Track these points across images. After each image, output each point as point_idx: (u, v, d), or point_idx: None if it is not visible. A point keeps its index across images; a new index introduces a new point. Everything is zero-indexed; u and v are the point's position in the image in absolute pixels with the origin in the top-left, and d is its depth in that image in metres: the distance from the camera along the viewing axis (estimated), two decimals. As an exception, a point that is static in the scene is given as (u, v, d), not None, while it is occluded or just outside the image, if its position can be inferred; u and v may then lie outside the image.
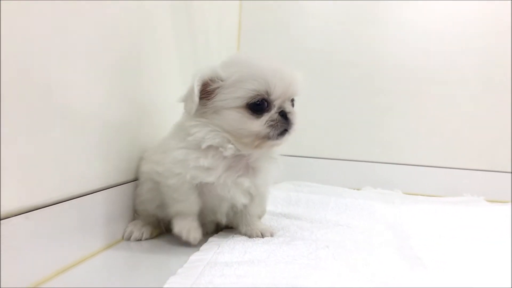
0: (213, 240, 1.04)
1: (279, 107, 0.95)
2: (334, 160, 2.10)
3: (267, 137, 0.95)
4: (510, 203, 1.72)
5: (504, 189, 1.93)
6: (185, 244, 1.01)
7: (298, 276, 0.79)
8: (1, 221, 0.67)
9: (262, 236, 1.07)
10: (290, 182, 1.92)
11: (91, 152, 0.93)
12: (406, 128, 2.07)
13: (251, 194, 1.05)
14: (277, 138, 0.95)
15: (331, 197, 1.61)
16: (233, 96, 0.92)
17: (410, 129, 2.07)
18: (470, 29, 2.01)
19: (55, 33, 0.78)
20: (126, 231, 1.07)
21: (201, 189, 1.00)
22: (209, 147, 0.96)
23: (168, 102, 1.23)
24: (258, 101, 0.93)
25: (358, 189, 1.93)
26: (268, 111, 0.94)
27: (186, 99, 0.95)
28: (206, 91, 0.94)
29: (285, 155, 2.03)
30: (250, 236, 1.08)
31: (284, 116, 0.95)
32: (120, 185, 1.05)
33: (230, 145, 0.96)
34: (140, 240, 1.06)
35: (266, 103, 0.94)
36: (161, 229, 1.12)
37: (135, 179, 1.12)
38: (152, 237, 1.08)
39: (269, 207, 1.43)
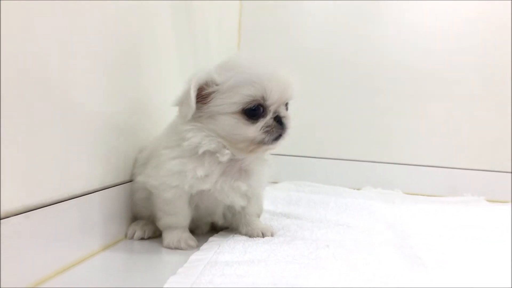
0: (213, 240, 1.04)
1: (274, 112, 0.95)
2: (335, 160, 2.10)
3: (262, 143, 0.95)
4: (510, 203, 1.72)
5: (504, 189, 1.93)
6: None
7: (299, 275, 0.79)
8: (1, 220, 0.67)
9: (263, 235, 1.07)
10: (291, 182, 1.92)
11: (91, 152, 0.93)
12: (407, 128, 2.07)
13: (248, 196, 1.05)
14: (271, 143, 0.96)
15: (331, 196, 1.62)
16: (229, 102, 0.92)
17: (411, 129, 2.07)
18: (470, 29, 2.01)
19: (55, 33, 0.78)
20: (129, 230, 1.07)
21: (197, 196, 1.00)
22: (205, 152, 0.95)
23: (168, 102, 1.23)
24: (254, 106, 0.92)
25: (358, 189, 1.94)
26: (264, 117, 0.94)
27: (182, 103, 0.94)
28: (201, 95, 0.93)
29: (285, 155, 2.06)
30: (251, 236, 1.08)
31: (279, 121, 0.95)
32: (120, 184, 1.05)
33: (226, 151, 0.96)
34: (143, 238, 1.06)
35: (261, 108, 0.94)
36: None
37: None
38: (155, 235, 1.07)
39: (270, 206, 1.43)
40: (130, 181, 1.09)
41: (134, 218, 1.12)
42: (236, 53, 0.96)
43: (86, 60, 0.88)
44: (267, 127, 0.94)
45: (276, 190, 1.72)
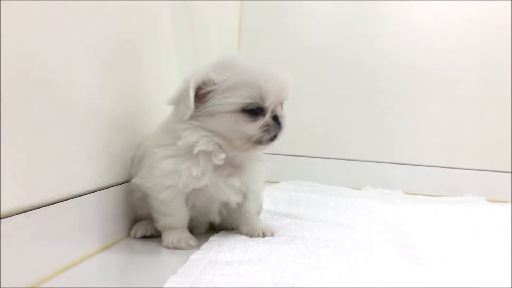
0: (214, 240, 1.05)
1: (272, 111, 0.96)
2: (335, 159, 2.10)
3: (258, 142, 0.96)
4: (511, 203, 1.72)
5: (504, 189, 1.93)
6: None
7: (299, 275, 0.79)
8: (2, 220, 0.67)
9: (263, 235, 1.07)
10: (291, 182, 1.92)
11: (91, 152, 0.93)
12: (407, 127, 2.07)
13: (243, 192, 1.06)
14: (267, 143, 0.96)
15: (331, 196, 1.62)
16: (228, 102, 0.92)
17: (411, 129, 2.07)
18: (470, 29, 2.01)
19: (54, 33, 0.78)
20: (133, 229, 1.08)
21: (193, 194, 1.01)
22: (199, 151, 0.95)
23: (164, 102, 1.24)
24: (253, 107, 0.93)
25: (358, 189, 1.94)
26: (263, 116, 0.95)
27: (179, 102, 0.93)
28: (199, 95, 0.93)
29: (285, 155, 2.06)
30: (251, 236, 1.08)
31: (276, 120, 0.96)
32: (119, 184, 1.05)
33: (222, 154, 0.96)
34: (146, 236, 1.07)
35: (260, 108, 0.94)
36: None
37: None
38: (158, 234, 1.07)
39: (270, 206, 1.43)
40: (129, 181, 1.09)
41: (134, 217, 1.12)
42: (232, 52, 0.95)
43: (86, 60, 0.88)
44: (266, 126, 0.95)
45: (276, 190, 1.72)
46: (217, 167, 0.98)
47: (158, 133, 1.03)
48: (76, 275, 0.81)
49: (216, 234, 1.10)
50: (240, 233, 1.10)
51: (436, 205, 1.58)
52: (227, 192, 1.01)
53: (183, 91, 0.92)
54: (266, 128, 0.95)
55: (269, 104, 0.94)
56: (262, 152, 1.05)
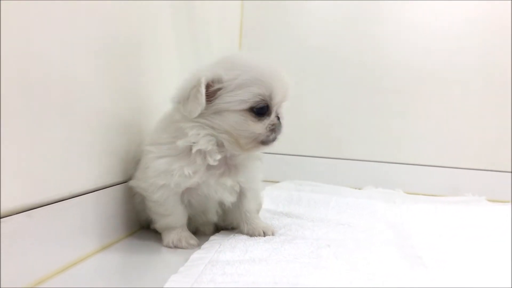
0: (214, 239, 1.05)
1: (276, 111, 0.97)
2: (336, 159, 2.10)
3: (263, 141, 0.96)
4: (511, 203, 1.72)
5: (505, 188, 1.93)
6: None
7: (299, 275, 0.79)
8: (4, 219, 0.67)
9: (264, 234, 1.07)
10: (292, 181, 1.92)
11: (92, 151, 0.93)
12: (407, 127, 2.07)
13: (237, 191, 1.05)
14: (271, 142, 0.97)
15: (332, 196, 1.62)
16: (237, 99, 0.92)
17: (411, 129, 2.07)
18: (471, 29, 2.01)
19: (55, 33, 0.78)
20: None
21: (187, 193, 1.01)
22: (197, 151, 0.95)
23: (168, 101, 1.23)
24: (261, 105, 0.94)
25: (359, 189, 1.93)
26: (269, 115, 0.96)
27: (186, 99, 0.93)
28: (207, 92, 0.93)
29: (286, 154, 2.06)
30: (252, 235, 1.08)
31: (278, 120, 0.97)
32: (121, 183, 1.05)
33: (218, 156, 0.96)
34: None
35: (267, 107, 0.95)
36: None
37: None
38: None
39: (271, 206, 1.43)
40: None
41: (136, 217, 1.12)
42: (238, 51, 0.95)
43: (86, 60, 0.88)
44: (272, 125, 0.96)
45: (277, 189, 1.72)
46: (210, 167, 0.98)
47: (155, 131, 1.03)
48: (76, 275, 0.81)
49: (216, 234, 1.10)
50: (241, 232, 1.10)
51: (437, 205, 1.58)
52: (219, 191, 1.01)
53: (192, 88, 0.91)
54: (273, 128, 0.96)
55: (275, 102, 0.95)
56: (262, 151, 1.05)
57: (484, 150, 2.02)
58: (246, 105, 0.93)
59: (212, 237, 1.06)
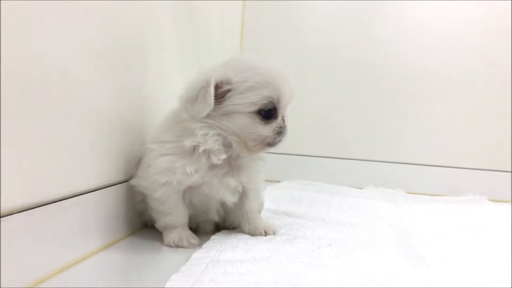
0: (215, 238, 1.05)
1: (282, 114, 0.98)
2: (337, 159, 2.10)
3: (270, 143, 0.97)
4: (511, 202, 1.72)
5: (506, 188, 1.93)
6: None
7: (301, 274, 0.79)
8: (4, 218, 0.67)
9: (265, 234, 1.08)
10: (293, 181, 1.93)
11: (94, 150, 0.93)
12: (409, 127, 2.07)
13: (239, 192, 1.06)
14: (277, 144, 0.98)
15: (333, 196, 1.62)
16: (247, 101, 0.93)
17: (413, 129, 2.07)
18: (472, 29, 2.01)
19: (56, 32, 0.78)
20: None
21: (189, 192, 1.01)
22: (203, 150, 0.95)
23: (170, 101, 1.23)
24: (270, 107, 0.95)
25: (360, 188, 1.93)
26: (276, 118, 0.97)
27: (195, 99, 0.92)
28: (215, 93, 0.93)
29: (288, 154, 2.06)
30: (253, 235, 1.08)
31: (284, 123, 0.99)
32: (122, 183, 1.05)
33: (223, 155, 0.96)
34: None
35: (274, 110, 0.96)
36: None
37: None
38: None
39: (272, 205, 1.43)
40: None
41: (137, 217, 1.12)
42: (245, 53, 0.95)
43: (87, 60, 0.88)
44: (279, 128, 0.97)
45: (278, 189, 1.72)
46: (213, 166, 0.98)
47: (159, 129, 1.03)
48: (77, 274, 0.81)
49: (218, 233, 1.10)
50: (242, 231, 1.10)
51: (438, 205, 1.58)
52: (221, 191, 1.01)
53: (201, 88, 0.91)
54: (280, 130, 0.97)
55: (282, 105, 0.96)
56: (267, 152, 1.06)
57: (484, 149, 2.02)
58: (255, 108, 0.93)
59: (213, 237, 1.06)
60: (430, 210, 1.50)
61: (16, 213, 0.70)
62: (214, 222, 1.14)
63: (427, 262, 0.93)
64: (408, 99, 2.07)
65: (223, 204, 1.08)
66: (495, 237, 1.19)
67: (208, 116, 0.93)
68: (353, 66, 2.10)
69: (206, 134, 0.94)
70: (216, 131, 0.95)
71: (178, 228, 1.03)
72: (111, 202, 1.00)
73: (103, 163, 0.97)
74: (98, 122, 0.94)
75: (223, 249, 0.94)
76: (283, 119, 0.98)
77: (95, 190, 0.93)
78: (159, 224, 1.05)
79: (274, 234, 1.09)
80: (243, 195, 1.08)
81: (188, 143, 0.94)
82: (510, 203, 1.69)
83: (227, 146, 0.97)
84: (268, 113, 0.95)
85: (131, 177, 1.07)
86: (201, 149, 0.95)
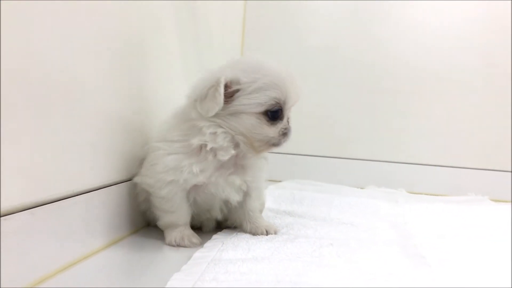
0: (217, 238, 1.05)
1: (286, 116, 0.99)
2: (338, 158, 2.10)
3: (275, 144, 0.98)
4: (511, 202, 1.72)
5: (507, 188, 1.93)
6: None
7: (302, 273, 0.79)
8: (6, 216, 0.67)
9: (267, 233, 1.08)
10: (294, 181, 1.93)
11: (96, 149, 0.93)
12: (410, 127, 2.07)
13: (243, 190, 1.06)
14: (281, 145, 0.99)
15: (335, 195, 1.62)
16: (255, 102, 0.94)
17: (414, 128, 2.07)
18: (473, 29, 2.01)
19: (59, 32, 0.78)
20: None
21: (194, 190, 1.01)
22: (210, 149, 0.96)
23: (171, 101, 1.24)
24: (276, 108, 0.96)
25: (362, 188, 1.93)
26: (281, 119, 0.98)
27: (204, 98, 0.93)
28: (225, 93, 0.93)
29: (289, 154, 2.06)
30: (254, 234, 1.08)
31: (289, 124, 1.00)
32: (124, 182, 1.05)
33: (232, 151, 0.97)
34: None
35: (280, 111, 0.97)
36: None
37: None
38: None
39: (273, 205, 1.43)
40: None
41: (140, 215, 1.12)
42: (252, 54, 0.96)
43: (89, 59, 0.89)
44: (284, 129, 0.98)
45: (279, 188, 1.72)
46: (220, 166, 0.99)
47: (166, 128, 1.03)
48: (78, 273, 0.81)
49: (219, 232, 1.11)
50: (244, 231, 1.11)
51: (440, 205, 1.58)
52: (226, 190, 1.01)
53: (210, 87, 0.92)
54: (285, 132, 0.98)
55: (287, 106, 0.98)
56: (270, 152, 1.06)
57: (484, 149, 2.02)
58: (262, 108, 0.94)
59: (214, 236, 1.06)
60: (432, 210, 1.50)
61: (17, 212, 0.70)
62: (216, 220, 1.15)
63: (428, 262, 0.93)
64: (408, 99, 2.07)
65: (226, 203, 1.08)
66: (496, 237, 1.19)
67: (216, 115, 0.94)
68: (353, 66, 2.10)
69: (215, 133, 0.95)
70: (224, 130, 0.96)
71: (180, 227, 1.03)
72: (113, 201, 1.01)
73: (105, 162, 0.98)
74: (99, 122, 0.94)
75: (224, 248, 0.95)
76: (287, 120, 0.99)
77: (97, 189, 0.93)
78: (161, 222, 1.05)
79: (275, 233, 1.09)
80: (245, 194, 1.08)
81: (195, 141, 0.95)
82: (510, 203, 1.69)
83: (235, 144, 0.97)
84: (275, 114, 0.96)
85: (133, 176, 1.07)
86: (208, 147, 0.95)
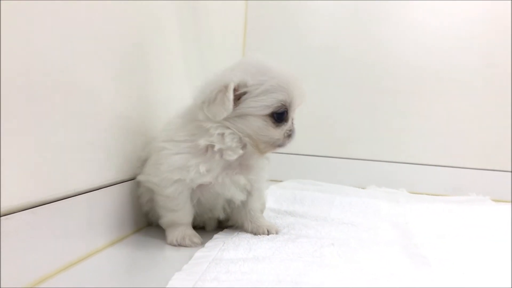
0: (218, 237, 1.05)
1: (291, 117, 1.00)
2: (340, 158, 2.10)
3: (280, 145, 0.99)
4: (511, 203, 1.71)
5: (507, 188, 1.93)
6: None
7: (303, 273, 0.79)
8: (8, 216, 0.67)
9: (268, 233, 1.08)
10: (295, 180, 1.92)
11: (98, 149, 0.93)
12: (411, 127, 2.07)
13: (248, 190, 1.07)
14: (285, 146, 1.01)
15: (336, 195, 1.61)
16: (261, 105, 0.94)
17: (415, 128, 2.06)
18: (473, 29, 2.01)
19: (63, 33, 0.79)
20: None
21: (198, 190, 1.02)
22: (215, 150, 0.96)
23: (173, 101, 1.24)
24: (282, 111, 0.97)
25: (363, 188, 1.93)
26: (286, 121, 0.99)
27: (212, 102, 0.93)
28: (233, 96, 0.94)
29: (290, 154, 2.06)
30: (256, 233, 1.08)
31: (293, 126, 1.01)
32: (126, 181, 1.05)
33: (240, 151, 0.97)
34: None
35: (286, 113, 0.98)
36: None
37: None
38: None
39: (274, 205, 1.43)
40: (135, 179, 1.10)
41: (142, 215, 1.12)
42: (256, 55, 0.96)
43: (90, 59, 0.89)
44: (289, 131, 1.00)
45: (281, 188, 1.72)
46: (226, 166, 0.99)
47: (171, 128, 1.03)
48: (80, 272, 0.81)
49: (220, 232, 1.11)
50: (245, 230, 1.11)
51: (441, 205, 1.58)
52: (232, 189, 1.02)
53: (218, 91, 0.92)
54: (289, 134, 1.00)
55: (292, 109, 0.99)
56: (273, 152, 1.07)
57: (484, 149, 2.02)
58: (269, 111, 0.95)
59: (215, 236, 1.06)
60: (433, 210, 1.50)
61: (18, 211, 0.70)
62: (218, 220, 1.15)
63: (429, 262, 0.92)
64: (408, 99, 2.07)
65: (229, 202, 1.08)
66: (497, 237, 1.19)
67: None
68: (353, 66, 2.10)
69: (222, 134, 0.96)
70: (232, 131, 0.96)
71: (182, 226, 1.03)
72: (115, 200, 1.01)
73: (108, 162, 0.98)
74: (99, 121, 0.94)
75: (225, 248, 0.95)
76: (292, 122, 1.00)
77: (99, 189, 0.93)
78: (163, 221, 1.05)
79: (276, 233, 1.09)
80: (247, 194, 1.08)
81: (202, 142, 0.96)
82: (511, 203, 1.69)
83: (242, 145, 0.98)
84: (281, 116, 0.97)
85: (135, 176, 1.07)
86: (216, 148, 0.96)
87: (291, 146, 1.03)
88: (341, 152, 2.10)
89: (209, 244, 0.99)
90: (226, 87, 0.91)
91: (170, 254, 0.97)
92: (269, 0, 2.15)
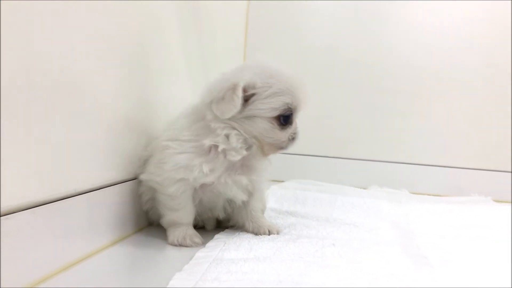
0: (219, 237, 1.05)
1: (295, 120, 1.02)
2: (341, 159, 2.10)
3: (284, 147, 1.01)
4: (511, 203, 1.71)
5: (507, 189, 1.93)
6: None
7: (304, 273, 0.79)
8: (8, 215, 0.67)
9: (269, 233, 1.08)
10: (297, 181, 1.92)
11: (99, 148, 0.93)
12: (411, 127, 2.07)
13: (249, 190, 1.07)
14: (288, 148, 1.02)
15: (337, 196, 1.61)
16: (269, 107, 0.95)
17: (417, 129, 2.07)
18: (473, 29, 2.01)
19: (64, 33, 0.78)
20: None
21: (200, 189, 1.02)
22: (219, 150, 0.97)
23: (174, 100, 1.24)
24: (288, 113, 0.98)
25: (364, 188, 1.93)
26: (291, 124, 1.00)
27: (221, 100, 0.94)
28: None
29: (292, 154, 2.06)
30: (257, 233, 1.08)
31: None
32: (127, 181, 1.05)
33: (244, 152, 0.98)
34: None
35: (291, 116, 0.99)
36: None
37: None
38: None
39: (276, 205, 1.43)
40: (136, 178, 1.10)
41: (142, 215, 1.12)
42: (263, 60, 0.98)
43: (91, 59, 0.89)
44: (293, 133, 1.01)
45: (282, 188, 1.72)
46: (229, 166, 1.00)
47: (175, 128, 1.03)
48: (80, 272, 0.81)
49: (221, 232, 1.10)
50: (246, 230, 1.11)
51: (442, 205, 1.57)
52: (234, 190, 1.02)
53: (227, 89, 0.93)
54: (293, 136, 1.01)
55: (297, 111, 1.00)
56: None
57: (484, 149, 2.02)
58: (276, 113, 0.96)
59: (216, 236, 1.06)
60: (434, 210, 1.50)
61: (18, 211, 0.70)
62: (216, 220, 1.15)
63: (431, 263, 0.92)
64: (408, 99, 2.07)
65: (230, 202, 1.09)
66: (499, 238, 1.19)
67: (230, 118, 0.95)
68: (353, 66, 2.10)
69: (228, 134, 0.96)
70: (238, 132, 0.97)
71: (183, 226, 1.03)
72: (116, 200, 1.01)
73: (109, 161, 0.98)
74: (100, 121, 0.94)
75: (226, 248, 0.94)
76: (296, 125, 1.02)
77: (100, 189, 0.93)
78: (165, 220, 1.05)
79: (277, 233, 1.09)
80: (248, 194, 1.08)
81: (207, 142, 0.96)
82: (511, 203, 1.69)
83: (247, 146, 0.99)
84: (287, 119, 0.98)
85: (136, 176, 1.07)
86: (220, 148, 0.96)
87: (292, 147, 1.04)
88: (341, 152, 2.10)
89: (210, 244, 0.99)
90: (235, 86, 0.92)
91: (171, 254, 0.96)
92: (270, 0, 2.16)
